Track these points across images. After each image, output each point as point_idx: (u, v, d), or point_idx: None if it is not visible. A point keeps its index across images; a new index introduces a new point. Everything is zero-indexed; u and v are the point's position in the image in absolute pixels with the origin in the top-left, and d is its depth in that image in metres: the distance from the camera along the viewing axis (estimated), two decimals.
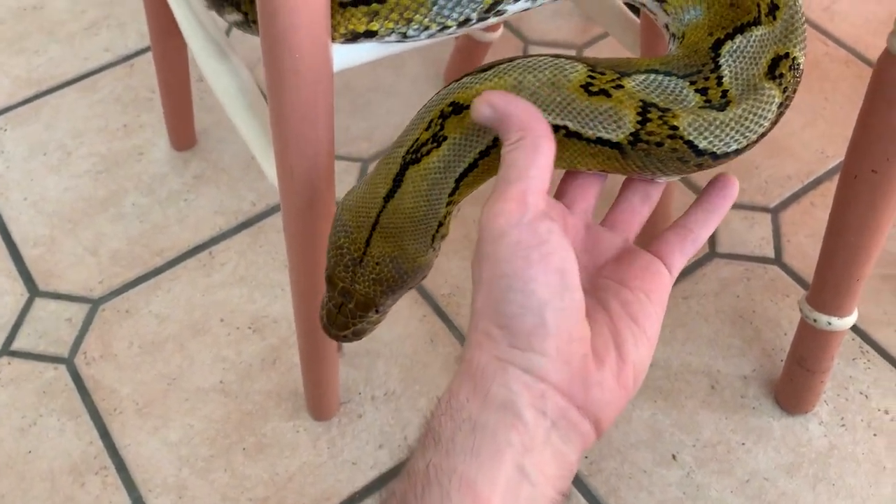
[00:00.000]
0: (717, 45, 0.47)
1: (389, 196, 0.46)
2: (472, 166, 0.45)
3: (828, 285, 0.68)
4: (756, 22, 0.47)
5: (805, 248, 0.87)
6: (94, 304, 0.84)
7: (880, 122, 0.57)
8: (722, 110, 0.44)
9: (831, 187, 0.65)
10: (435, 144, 0.45)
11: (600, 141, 0.43)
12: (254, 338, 0.82)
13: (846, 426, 0.76)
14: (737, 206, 0.91)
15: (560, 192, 0.47)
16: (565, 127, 0.43)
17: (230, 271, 0.86)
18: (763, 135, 0.46)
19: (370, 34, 0.50)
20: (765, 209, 0.91)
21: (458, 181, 0.45)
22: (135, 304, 0.84)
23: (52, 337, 0.82)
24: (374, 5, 0.48)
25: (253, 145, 0.63)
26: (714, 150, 0.44)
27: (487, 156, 0.45)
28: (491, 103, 0.40)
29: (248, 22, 0.51)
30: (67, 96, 1.01)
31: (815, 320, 0.69)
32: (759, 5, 0.47)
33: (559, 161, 0.44)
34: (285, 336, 0.82)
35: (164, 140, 0.96)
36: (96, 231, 0.89)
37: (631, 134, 0.43)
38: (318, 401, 0.76)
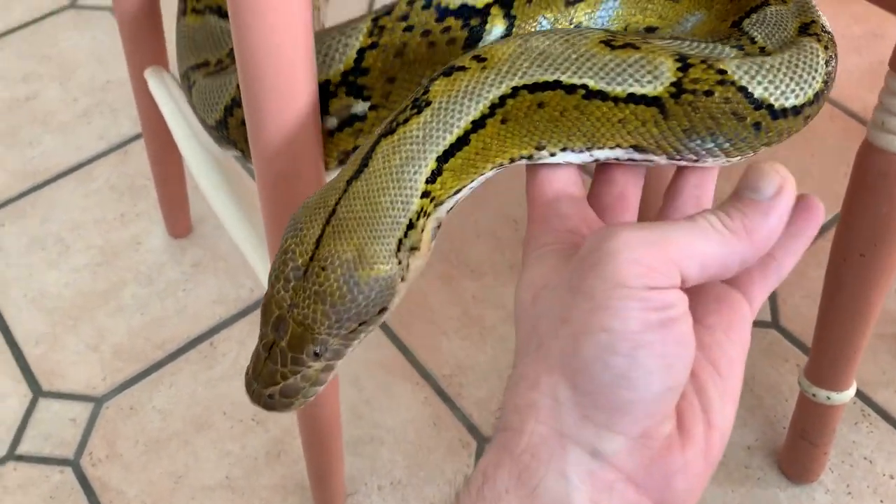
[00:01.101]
0: (737, 24, 0.42)
1: (354, 178, 0.37)
2: (462, 142, 0.37)
3: (824, 361, 0.68)
4: (766, 3, 0.43)
5: (801, 310, 0.88)
6: (98, 402, 0.84)
7: (864, 209, 0.58)
8: (768, 56, 0.38)
9: (825, 245, 0.65)
10: (415, 111, 0.37)
11: (633, 98, 0.36)
12: (257, 430, 0.82)
13: (852, 494, 0.76)
14: None
15: (597, 204, 0.39)
16: (584, 86, 0.36)
17: (231, 362, 0.87)
18: (818, 95, 0.40)
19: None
20: None
21: (440, 161, 0.37)
22: (138, 400, 0.84)
23: (57, 439, 0.82)
24: (357, 124, 0.49)
25: (249, 256, 0.64)
26: (772, 100, 0.37)
27: (482, 128, 0.37)
28: (785, 181, 0.32)
29: (246, 157, 0.52)
30: (63, 187, 1.02)
31: (814, 395, 0.69)
32: None
33: (577, 137, 0.37)
34: (288, 427, 0.82)
35: (160, 228, 0.97)
36: (97, 326, 0.90)
37: (672, 84, 0.36)
38: (324, 494, 0.76)
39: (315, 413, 0.67)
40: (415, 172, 0.37)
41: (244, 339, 0.88)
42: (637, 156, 0.38)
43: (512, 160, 0.38)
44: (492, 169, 0.39)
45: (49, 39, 1.19)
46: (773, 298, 0.89)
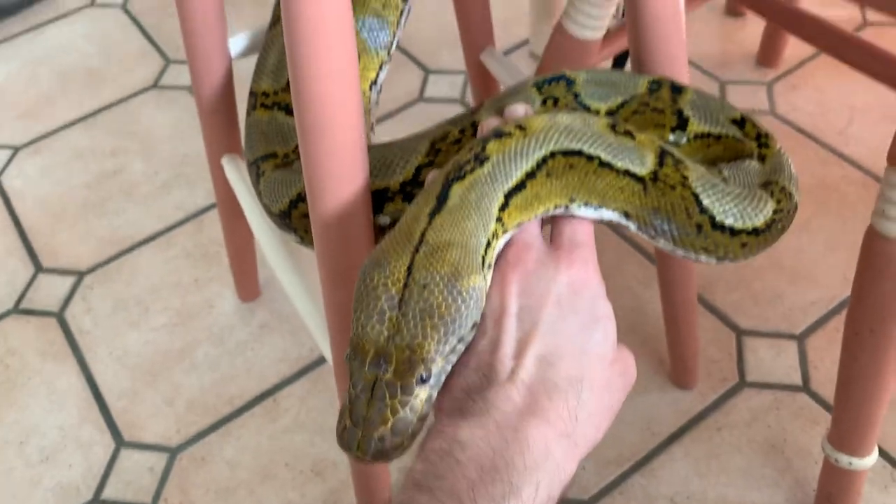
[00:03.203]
0: (715, 164, 0.54)
1: (435, 212, 0.44)
2: (521, 186, 0.46)
3: (845, 427, 0.72)
4: (749, 156, 0.54)
5: (832, 375, 0.91)
6: (173, 452, 0.93)
7: (871, 289, 0.63)
8: (725, 183, 0.50)
9: None
10: (479, 163, 0.46)
11: (628, 173, 0.48)
12: (316, 480, 0.89)
13: None
14: (763, 335, 0.96)
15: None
16: (598, 157, 0.47)
17: (293, 417, 0.94)
18: (756, 231, 0.50)
19: None
20: (791, 336, 0.95)
21: (507, 196, 0.46)
22: (209, 451, 0.92)
23: (136, 485, 0.90)
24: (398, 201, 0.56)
25: (309, 322, 0.72)
26: (713, 212, 0.48)
27: (534, 178, 0.46)
28: None
29: (304, 242, 0.60)
30: (145, 254, 1.13)
31: (836, 460, 0.73)
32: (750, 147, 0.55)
33: (595, 195, 0.48)
34: (344, 478, 0.89)
35: (231, 292, 1.06)
36: (173, 382, 0.99)
37: (652, 172, 0.48)
38: None
39: (365, 467, 0.74)
40: (490, 203, 0.45)
41: (304, 396, 0.96)
42: (624, 221, 0.50)
43: (556, 206, 0.48)
44: (543, 211, 0.48)
45: (134, 117, 1.31)
46: (803, 363, 0.93)
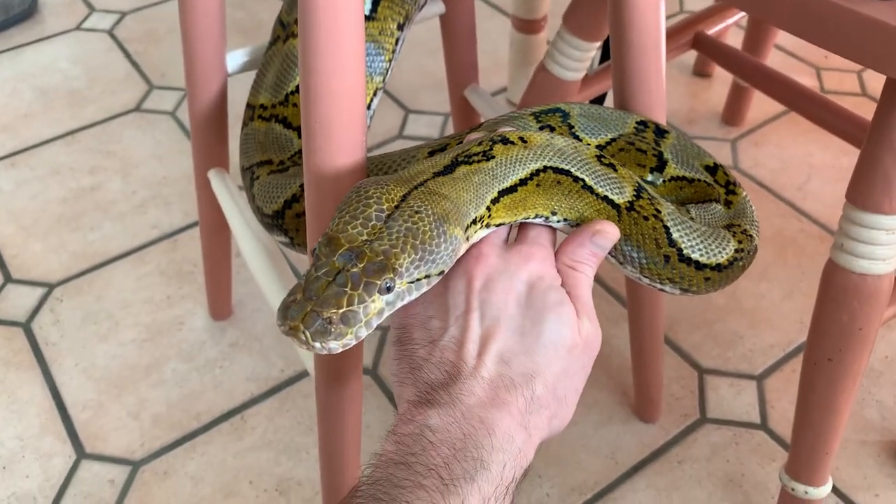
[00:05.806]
0: (684, 204, 0.59)
1: (440, 174, 0.47)
2: (513, 189, 0.49)
3: (802, 458, 0.75)
4: (716, 200, 0.59)
5: (788, 414, 0.94)
6: (135, 465, 0.91)
7: (830, 319, 0.66)
8: (693, 221, 0.54)
9: None
10: (485, 158, 0.49)
11: (606, 199, 0.52)
12: (280, 500, 0.88)
13: None
14: (724, 374, 0.99)
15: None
16: (583, 180, 0.51)
17: (259, 435, 0.94)
18: (720, 267, 0.54)
19: None
20: (750, 377, 0.99)
21: (500, 193, 0.49)
22: (172, 466, 0.91)
23: (95, 497, 0.89)
24: None
25: None
26: (682, 246, 0.53)
27: (525, 185, 0.50)
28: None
29: (294, 244, 0.62)
30: (118, 269, 1.12)
31: (793, 489, 0.76)
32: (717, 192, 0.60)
33: (573, 212, 0.52)
34: (309, 497, 0.88)
35: (203, 310, 1.07)
36: (140, 396, 0.98)
37: (628, 202, 0.52)
38: None
39: (338, 482, 0.74)
40: (486, 191, 0.48)
41: (272, 415, 0.96)
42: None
43: (537, 216, 0.52)
44: (524, 217, 0.51)
45: (115, 137, 1.32)
46: (762, 403, 0.96)
